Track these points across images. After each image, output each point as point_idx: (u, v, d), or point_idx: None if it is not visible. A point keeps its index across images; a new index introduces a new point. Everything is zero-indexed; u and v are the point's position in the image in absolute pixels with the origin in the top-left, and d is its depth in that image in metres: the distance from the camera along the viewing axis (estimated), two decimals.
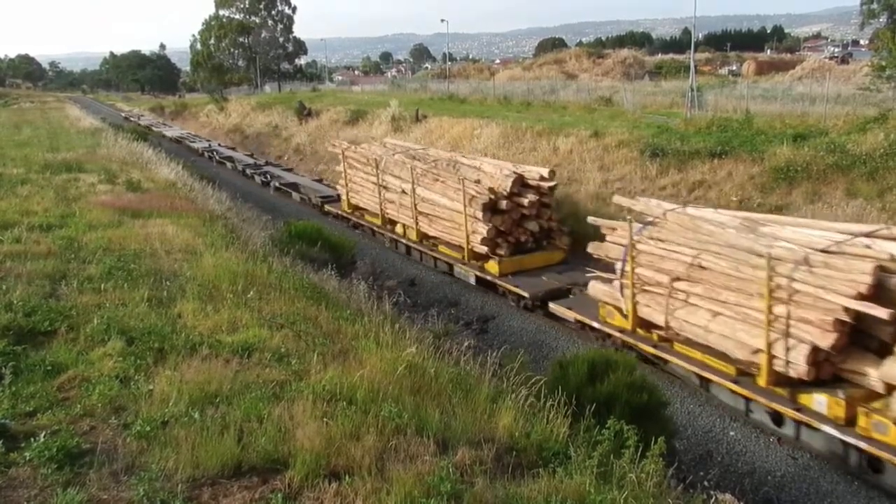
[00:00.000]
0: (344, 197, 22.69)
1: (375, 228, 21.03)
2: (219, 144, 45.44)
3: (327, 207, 23.93)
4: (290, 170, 33.85)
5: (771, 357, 9.31)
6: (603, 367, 8.79)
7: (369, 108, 38.25)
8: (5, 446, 5.06)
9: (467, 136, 27.92)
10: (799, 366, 8.89)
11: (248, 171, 33.94)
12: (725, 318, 10.08)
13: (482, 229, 15.60)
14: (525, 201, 15.68)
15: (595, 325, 12.60)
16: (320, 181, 29.25)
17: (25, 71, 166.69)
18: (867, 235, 9.29)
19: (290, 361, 7.08)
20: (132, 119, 66.71)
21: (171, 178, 21.74)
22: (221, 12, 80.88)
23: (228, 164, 37.50)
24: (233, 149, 43.44)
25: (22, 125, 42.11)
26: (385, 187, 19.85)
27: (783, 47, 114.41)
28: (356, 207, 22.20)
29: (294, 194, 27.48)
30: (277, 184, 29.28)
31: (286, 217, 21.73)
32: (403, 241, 19.38)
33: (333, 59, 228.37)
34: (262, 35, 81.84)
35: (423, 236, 18.55)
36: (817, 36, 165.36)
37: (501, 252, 15.74)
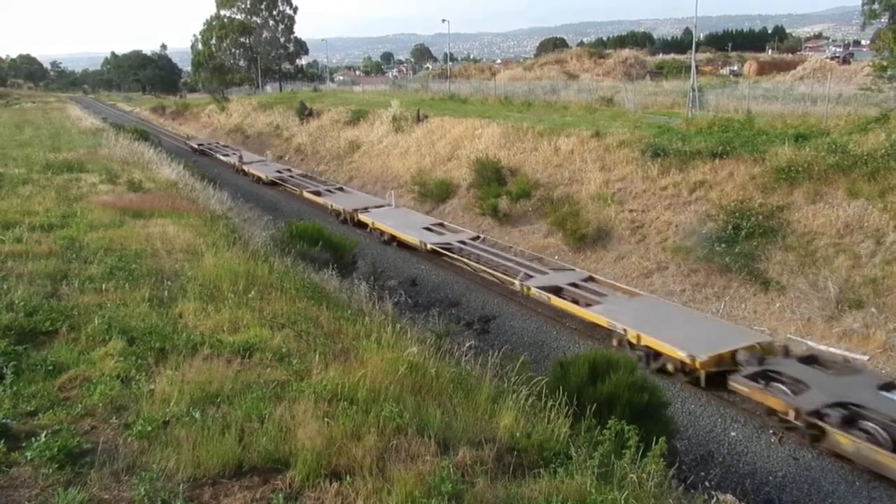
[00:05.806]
0: None
1: None
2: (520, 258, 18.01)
3: None
4: None
5: None
6: (604, 366, 8.80)
7: (370, 109, 38.25)
8: (6, 446, 5.05)
9: (468, 137, 27.93)
10: None
11: None
12: None
13: None
14: None
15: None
16: None
17: (27, 71, 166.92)
18: None
19: (292, 361, 7.07)
20: (199, 145, 46.23)
21: (172, 178, 21.75)
22: (222, 12, 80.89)
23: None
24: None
25: (23, 125, 42.13)
26: None
27: (784, 47, 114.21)
28: None
29: None
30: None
31: (288, 217, 21.72)
32: None
33: (335, 59, 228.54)
34: (264, 35, 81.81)
35: None
36: (819, 36, 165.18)
37: None
